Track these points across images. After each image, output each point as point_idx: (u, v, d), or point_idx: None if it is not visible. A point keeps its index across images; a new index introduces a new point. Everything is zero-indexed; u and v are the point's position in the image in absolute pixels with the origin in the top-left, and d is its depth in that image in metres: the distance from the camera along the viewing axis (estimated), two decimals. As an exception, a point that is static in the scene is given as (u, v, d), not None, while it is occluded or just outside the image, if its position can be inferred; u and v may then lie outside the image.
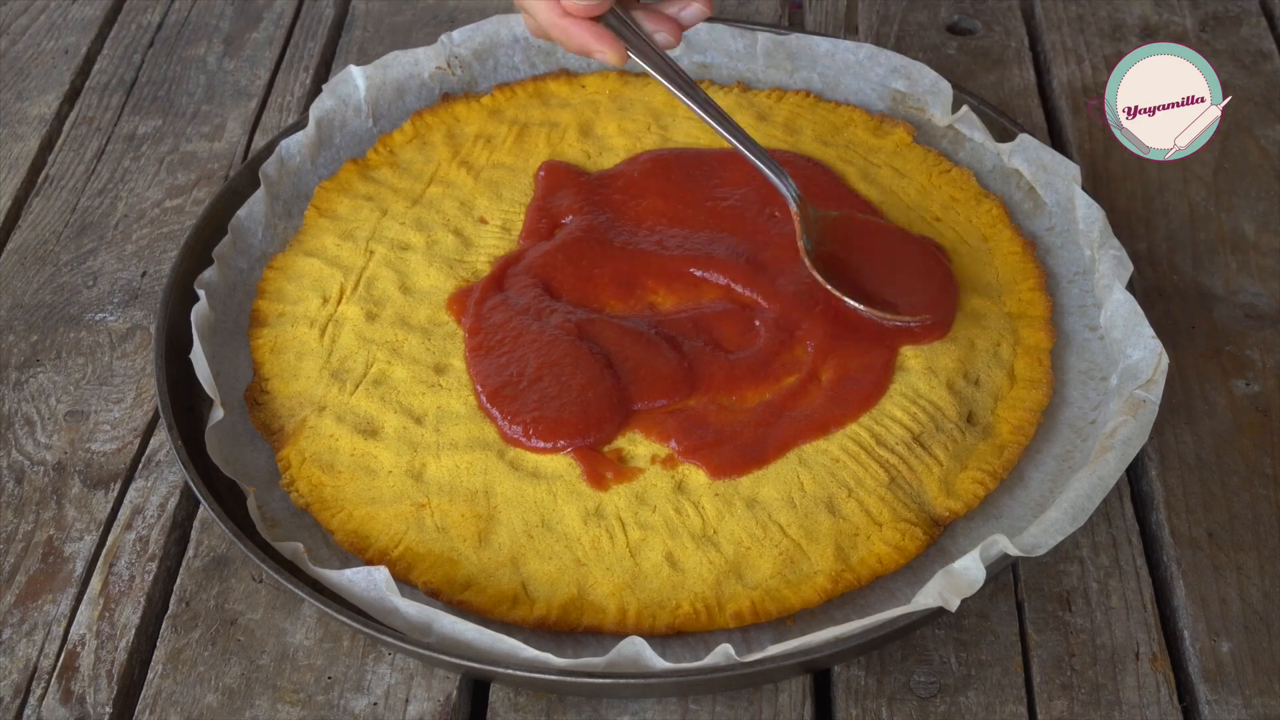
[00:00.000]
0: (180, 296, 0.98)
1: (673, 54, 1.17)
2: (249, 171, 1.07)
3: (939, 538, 0.87)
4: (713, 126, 0.96)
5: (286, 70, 1.27)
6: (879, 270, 0.96)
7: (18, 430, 0.97)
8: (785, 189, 0.96)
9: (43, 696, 0.83)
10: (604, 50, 0.94)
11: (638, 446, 0.90)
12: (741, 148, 0.96)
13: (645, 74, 1.17)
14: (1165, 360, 0.89)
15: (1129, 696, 0.82)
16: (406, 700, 0.82)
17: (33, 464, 0.95)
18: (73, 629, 0.86)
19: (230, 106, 1.23)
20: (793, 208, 0.96)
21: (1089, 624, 0.85)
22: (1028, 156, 1.06)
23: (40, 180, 1.16)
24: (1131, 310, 0.93)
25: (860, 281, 0.95)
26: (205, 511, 0.89)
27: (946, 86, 1.11)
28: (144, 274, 1.08)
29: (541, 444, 0.89)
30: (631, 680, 0.78)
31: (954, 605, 0.78)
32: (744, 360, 0.93)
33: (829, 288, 0.93)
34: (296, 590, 0.81)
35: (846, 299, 0.93)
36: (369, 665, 0.84)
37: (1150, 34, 1.27)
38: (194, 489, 0.86)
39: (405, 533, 0.87)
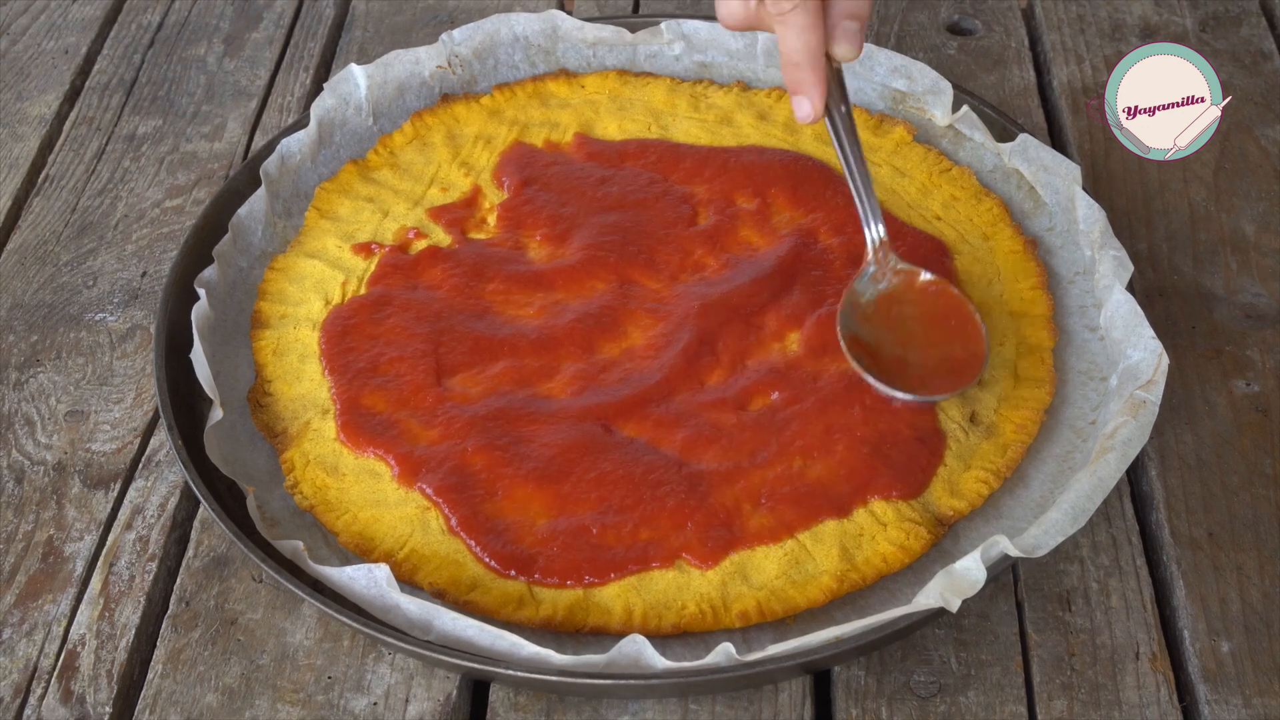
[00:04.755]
0: (180, 296, 0.98)
1: (674, 52, 1.17)
2: (249, 171, 1.07)
3: (941, 538, 0.88)
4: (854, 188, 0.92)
5: (286, 70, 1.26)
6: (923, 335, 0.92)
7: (18, 430, 0.97)
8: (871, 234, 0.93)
9: (43, 696, 0.83)
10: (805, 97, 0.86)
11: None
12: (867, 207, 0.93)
13: (647, 77, 1.17)
14: (1165, 361, 0.89)
15: (1129, 696, 0.82)
16: (406, 700, 0.82)
17: (33, 464, 0.95)
18: (73, 629, 0.86)
19: (230, 106, 1.23)
20: (869, 254, 0.93)
21: (1089, 624, 0.85)
22: (1028, 156, 1.06)
23: (40, 180, 1.16)
24: (1131, 311, 0.93)
25: (899, 343, 0.91)
26: (205, 511, 0.89)
27: (947, 86, 1.10)
28: (144, 274, 1.08)
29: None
30: (631, 681, 0.78)
31: (955, 606, 0.78)
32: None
33: (857, 367, 0.88)
34: (296, 590, 0.81)
35: (873, 380, 0.88)
36: (369, 665, 0.84)
37: (1150, 34, 1.27)
38: (194, 489, 0.86)
39: (411, 535, 0.87)
